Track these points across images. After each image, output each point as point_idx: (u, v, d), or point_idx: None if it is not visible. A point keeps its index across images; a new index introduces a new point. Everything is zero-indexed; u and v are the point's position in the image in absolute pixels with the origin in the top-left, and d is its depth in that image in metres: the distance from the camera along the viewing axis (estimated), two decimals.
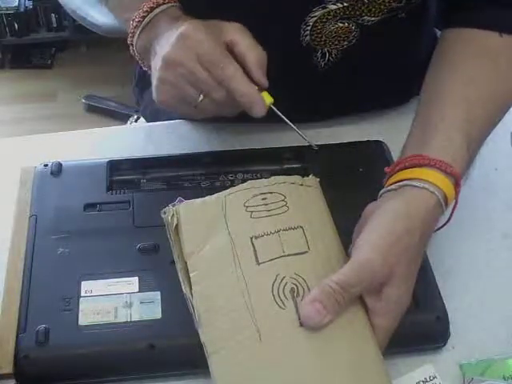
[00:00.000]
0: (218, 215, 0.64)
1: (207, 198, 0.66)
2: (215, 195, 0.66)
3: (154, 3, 0.68)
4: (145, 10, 0.68)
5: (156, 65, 0.66)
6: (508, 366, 0.62)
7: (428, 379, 0.61)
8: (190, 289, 0.61)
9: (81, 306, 0.62)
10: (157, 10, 0.68)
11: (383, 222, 0.60)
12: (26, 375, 0.60)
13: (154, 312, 0.62)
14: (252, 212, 0.64)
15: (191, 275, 0.62)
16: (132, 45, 0.70)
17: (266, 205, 0.64)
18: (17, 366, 0.59)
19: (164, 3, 0.69)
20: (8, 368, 0.59)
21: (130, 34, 0.70)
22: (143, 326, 0.61)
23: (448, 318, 0.64)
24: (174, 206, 0.65)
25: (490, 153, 0.69)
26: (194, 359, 0.60)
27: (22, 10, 2.39)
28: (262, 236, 0.63)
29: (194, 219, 0.65)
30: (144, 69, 0.73)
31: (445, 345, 0.64)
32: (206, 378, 0.59)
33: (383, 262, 0.57)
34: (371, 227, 0.60)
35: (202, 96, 0.66)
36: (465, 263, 0.71)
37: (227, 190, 0.66)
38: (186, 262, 0.62)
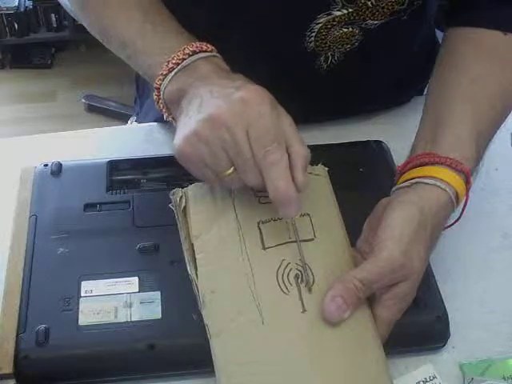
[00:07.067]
0: (227, 199, 0.65)
1: None
2: None
3: (196, 48, 0.63)
4: (186, 52, 0.62)
5: (196, 115, 0.58)
6: (508, 366, 0.62)
7: (428, 379, 0.61)
8: (196, 270, 0.62)
9: (81, 306, 0.62)
10: (199, 55, 0.63)
11: (401, 216, 0.60)
12: (25, 375, 0.60)
13: (154, 312, 0.62)
14: (260, 197, 0.65)
15: (197, 257, 0.62)
16: (158, 88, 0.64)
17: None
18: (17, 366, 0.59)
19: (207, 51, 0.64)
20: (8, 368, 0.59)
21: (160, 77, 0.63)
22: (143, 326, 0.61)
23: (448, 318, 0.64)
24: (182, 187, 0.66)
25: (490, 153, 0.69)
26: (194, 359, 0.60)
27: (21, 9, 2.39)
28: (269, 221, 0.64)
29: (202, 202, 0.65)
30: (166, 119, 0.66)
31: (445, 345, 0.64)
32: (205, 377, 0.59)
33: (405, 260, 0.58)
34: (390, 221, 0.60)
35: (232, 169, 0.58)
36: (465, 263, 0.71)
37: None
38: (192, 244, 0.63)
